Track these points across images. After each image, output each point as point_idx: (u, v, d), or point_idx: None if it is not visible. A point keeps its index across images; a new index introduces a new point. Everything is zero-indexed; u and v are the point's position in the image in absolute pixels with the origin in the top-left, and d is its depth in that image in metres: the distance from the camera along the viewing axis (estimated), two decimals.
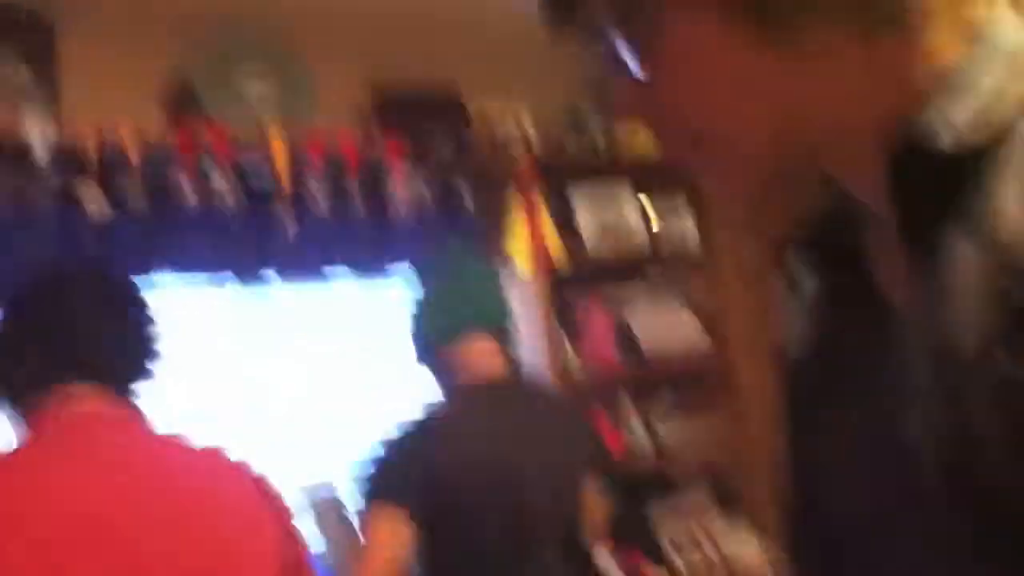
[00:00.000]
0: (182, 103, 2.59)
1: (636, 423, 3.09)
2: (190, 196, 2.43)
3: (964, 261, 0.57)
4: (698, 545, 3.03)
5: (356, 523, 2.16)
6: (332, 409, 2.75)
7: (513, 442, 2.10)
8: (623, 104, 0.71)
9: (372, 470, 2.05)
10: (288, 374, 2.71)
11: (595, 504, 2.25)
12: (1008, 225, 0.55)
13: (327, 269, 2.70)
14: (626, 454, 2.87)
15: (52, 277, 1.61)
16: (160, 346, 1.66)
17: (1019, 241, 0.55)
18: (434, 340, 2.19)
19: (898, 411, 0.62)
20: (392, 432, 2.08)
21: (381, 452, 2.06)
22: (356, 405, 2.78)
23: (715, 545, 3.06)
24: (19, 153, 2.26)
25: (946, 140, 0.59)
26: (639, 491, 2.63)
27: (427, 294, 2.23)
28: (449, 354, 2.18)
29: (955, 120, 0.59)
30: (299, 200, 2.57)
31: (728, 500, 3.24)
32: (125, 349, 1.59)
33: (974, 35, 0.62)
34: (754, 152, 0.66)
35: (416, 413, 2.12)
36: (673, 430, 3.21)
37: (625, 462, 2.49)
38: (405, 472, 2.01)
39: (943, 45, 0.62)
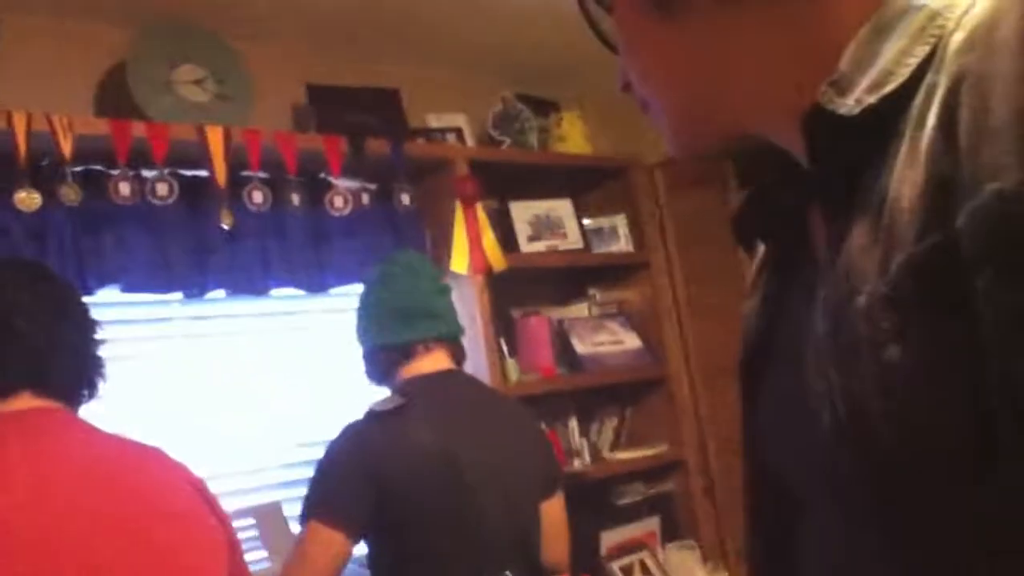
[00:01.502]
0: (117, 98, 2.52)
1: (579, 437, 3.06)
2: (124, 191, 2.36)
3: (859, 224, 0.58)
4: (647, 572, 3.02)
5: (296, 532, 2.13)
6: (274, 421, 2.70)
7: (464, 441, 2.03)
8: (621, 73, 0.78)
9: (311, 486, 2.01)
10: (229, 383, 2.66)
11: (556, 527, 2.19)
12: (892, 203, 0.56)
13: (269, 283, 2.64)
14: (568, 471, 2.85)
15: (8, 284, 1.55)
16: (106, 363, 1.64)
17: (899, 218, 0.55)
18: (387, 352, 2.15)
19: (807, 372, 0.63)
20: (332, 443, 2.04)
21: (320, 466, 2.02)
22: (299, 416, 2.73)
23: (664, 572, 3.05)
24: None
25: (848, 103, 0.59)
26: (583, 512, 2.60)
27: (379, 303, 2.18)
28: (402, 365, 2.15)
29: (857, 83, 0.59)
30: (237, 199, 2.52)
31: (674, 523, 3.24)
32: (78, 364, 1.56)
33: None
34: (681, 118, 0.73)
35: (359, 419, 2.05)
36: (616, 446, 3.21)
37: (569, 480, 2.45)
38: (343, 487, 1.97)
39: (856, 9, 0.62)
